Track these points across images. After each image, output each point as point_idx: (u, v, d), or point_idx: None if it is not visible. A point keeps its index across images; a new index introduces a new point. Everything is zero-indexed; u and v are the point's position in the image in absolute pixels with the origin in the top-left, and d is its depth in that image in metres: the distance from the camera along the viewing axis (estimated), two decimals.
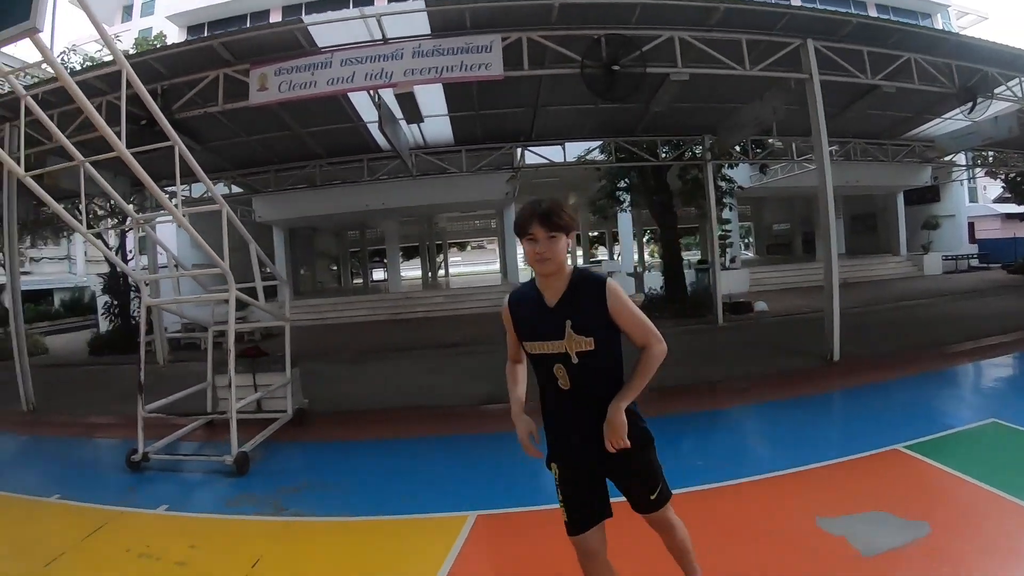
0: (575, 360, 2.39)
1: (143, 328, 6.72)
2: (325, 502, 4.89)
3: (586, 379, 2.42)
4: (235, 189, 16.42)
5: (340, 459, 6.28)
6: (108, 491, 5.46)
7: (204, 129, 10.78)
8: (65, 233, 25.98)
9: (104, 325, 19.68)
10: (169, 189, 6.79)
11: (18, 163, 5.43)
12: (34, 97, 5.42)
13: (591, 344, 2.36)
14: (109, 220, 16.67)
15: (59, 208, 5.77)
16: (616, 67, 7.98)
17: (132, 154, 5.12)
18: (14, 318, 9.82)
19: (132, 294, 17.61)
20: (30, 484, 5.91)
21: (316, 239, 30.29)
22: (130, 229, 14.79)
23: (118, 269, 15.65)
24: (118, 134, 5.02)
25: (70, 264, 36.09)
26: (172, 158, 5.50)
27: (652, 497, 2.55)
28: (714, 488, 4.54)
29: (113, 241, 18.58)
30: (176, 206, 5.61)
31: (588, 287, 2.40)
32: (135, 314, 17.37)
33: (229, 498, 5.16)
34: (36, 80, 9.60)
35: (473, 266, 55.46)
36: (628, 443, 2.35)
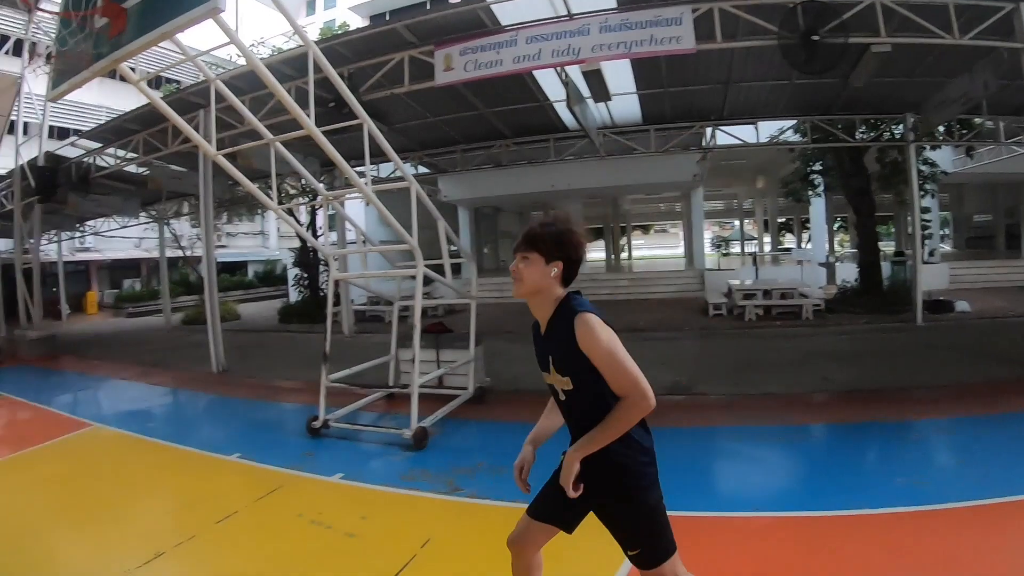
0: (562, 397, 2.24)
1: (330, 300, 7.03)
2: (501, 486, 4.65)
3: (572, 415, 2.28)
4: (421, 169, 16.94)
5: (519, 442, 6.07)
6: (286, 455, 5.69)
7: (391, 110, 11.22)
8: (259, 210, 28.41)
9: (294, 296, 21.46)
10: (358, 169, 7.02)
11: (211, 144, 5.79)
12: (223, 83, 5.75)
13: (569, 384, 2.16)
14: (300, 198, 17.90)
15: (252, 186, 6.14)
16: (815, 37, 7.24)
17: (321, 132, 5.29)
18: (208, 287, 10.90)
19: (321, 267, 18.92)
20: (214, 441, 6.37)
21: (500, 218, 30.98)
22: (320, 206, 15.79)
23: (308, 244, 16.77)
24: (307, 115, 5.20)
25: (263, 238, 39.73)
26: (359, 140, 5.64)
27: (630, 553, 2.26)
28: (908, 512, 3.88)
29: (304, 218, 20.05)
30: (365, 184, 5.76)
31: (563, 320, 2.12)
32: (323, 286, 18.70)
33: (404, 472, 5.18)
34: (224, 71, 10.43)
35: (656, 250, 54.18)
36: (576, 492, 2.12)
